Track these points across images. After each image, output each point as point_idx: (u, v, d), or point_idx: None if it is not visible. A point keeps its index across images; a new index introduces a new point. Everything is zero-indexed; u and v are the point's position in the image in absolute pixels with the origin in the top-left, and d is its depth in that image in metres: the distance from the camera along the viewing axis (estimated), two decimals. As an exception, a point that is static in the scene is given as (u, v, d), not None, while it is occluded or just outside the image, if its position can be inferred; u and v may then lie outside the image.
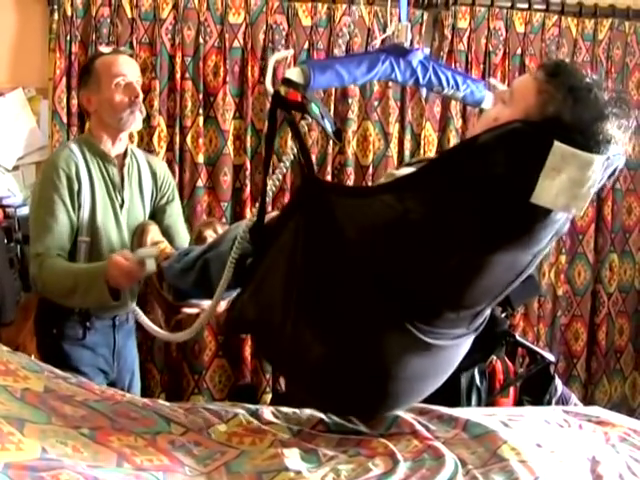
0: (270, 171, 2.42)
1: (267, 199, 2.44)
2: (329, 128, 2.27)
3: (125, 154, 3.24)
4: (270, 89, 2.31)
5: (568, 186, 1.83)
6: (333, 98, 4.65)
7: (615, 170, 1.96)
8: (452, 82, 2.57)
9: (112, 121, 3.12)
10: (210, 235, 2.97)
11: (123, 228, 3.19)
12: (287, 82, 2.21)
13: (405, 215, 1.97)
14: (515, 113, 1.93)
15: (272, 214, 2.51)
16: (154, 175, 3.34)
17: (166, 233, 3.20)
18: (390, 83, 4.68)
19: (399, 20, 2.53)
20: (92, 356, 3.22)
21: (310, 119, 2.22)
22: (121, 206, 3.19)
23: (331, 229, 2.09)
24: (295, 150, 2.29)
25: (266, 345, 2.58)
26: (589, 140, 1.84)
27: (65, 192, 3.03)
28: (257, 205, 2.41)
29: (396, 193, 2.00)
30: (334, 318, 2.17)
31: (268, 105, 4.42)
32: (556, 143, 1.80)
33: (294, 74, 2.24)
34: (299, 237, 2.16)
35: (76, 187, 3.06)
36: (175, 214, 3.40)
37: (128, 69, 3.15)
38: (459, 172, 1.93)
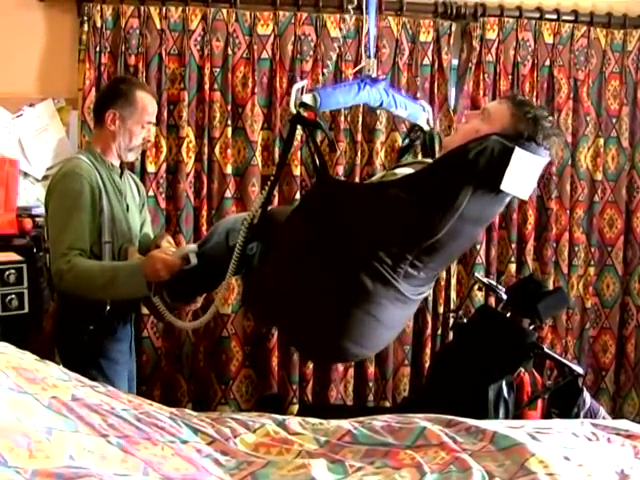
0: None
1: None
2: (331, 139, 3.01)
3: (121, 166, 3.49)
4: (293, 110, 2.78)
5: (523, 179, 2.64)
6: (361, 109, 4.66)
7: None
8: (403, 104, 3.17)
9: (122, 149, 3.38)
10: (166, 245, 3.39)
11: (131, 230, 3.43)
12: (303, 105, 2.77)
13: (411, 202, 2.65)
14: (493, 128, 2.68)
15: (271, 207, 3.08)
16: (137, 186, 3.65)
17: (144, 237, 3.56)
18: (418, 94, 4.68)
19: (368, 57, 3.14)
20: (123, 346, 3.44)
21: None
22: (127, 210, 3.43)
23: (343, 214, 2.74)
24: (313, 156, 2.88)
25: (277, 310, 3.01)
26: (540, 148, 2.68)
27: (88, 200, 3.22)
28: (260, 197, 3.01)
29: (405, 187, 2.69)
30: (345, 282, 2.78)
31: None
32: (517, 149, 2.60)
33: (308, 99, 2.78)
34: (312, 221, 2.80)
35: (97, 193, 3.26)
36: (149, 222, 3.75)
37: (154, 118, 3.50)
38: (454, 169, 2.66)
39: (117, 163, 3.43)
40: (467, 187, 2.63)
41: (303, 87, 2.81)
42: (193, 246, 3.23)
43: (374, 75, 3.08)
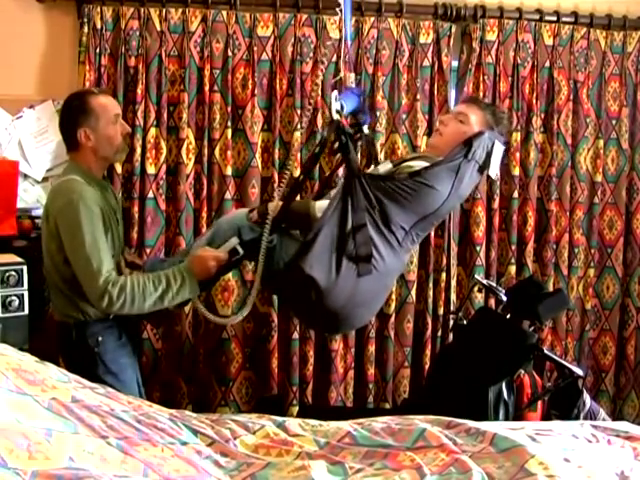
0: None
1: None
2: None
3: (104, 179, 3.57)
4: (336, 116, 3.27)
5: (497, 164, 3.57)
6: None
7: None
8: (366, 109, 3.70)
9: (109, 154, 3.42)
10: (128, 257, 3.59)
11: (120, 241, 3.50)
12: (338, 113, 3.27)
13: (433, 188, 3.33)
14: (475, 128, 3.51)
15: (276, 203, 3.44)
16: (114, 195, 3.67)
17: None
18: (418, 96, 4.73)
19: (350, 71, 3.87)
20: (129, 350, 3.49)
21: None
22: (117, 223, 3.49)
23: (373, 200, 3.28)
24: (348, 155, 3.36)
25: (311, 291, 3.25)
26: (502, 138, 3.60)
27: (100, 219, 3.25)
28: (279, 194, 3.55)
29: (424, 178, 3.34)
30: (369, 258, 3.28)
31: (296, 119, 4.50)
32: (496, 142, 3.50)
33: (339, 107, 3.27)
34: (347, 210, 3.25)
35: (102, 212, 3.29)
36: None
37: (118, 109, 3.51)
38: (462, 161, 3.40)
39: (100, 176, 3.47)
40: (468, 173, 3.43)
41: (336, 96, 3.31)
42: (235, 239, 3.34)
43: (354, 86, 3.63)
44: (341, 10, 3.61)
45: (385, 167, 3.61)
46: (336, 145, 3.47)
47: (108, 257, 3.21)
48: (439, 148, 3.53)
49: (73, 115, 3.38)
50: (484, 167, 3.49)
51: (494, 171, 3.55)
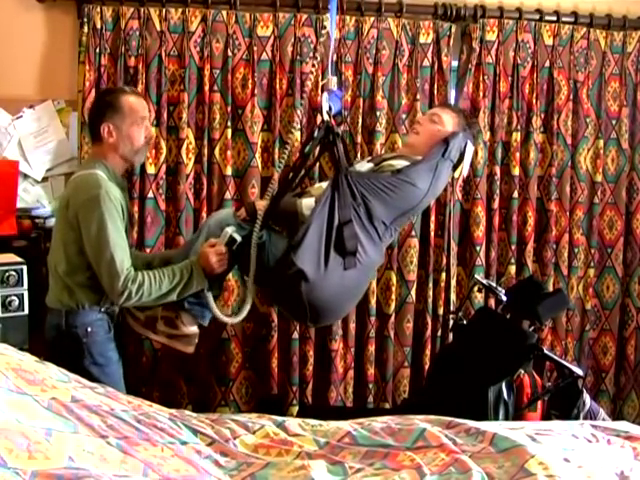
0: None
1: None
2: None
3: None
4: (326, 117, 3.47)
5: (469, 163, 3.87)
6: (361, 111, 4.66)
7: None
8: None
9: (128, 154, 3.44)
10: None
11: (128, 238, 3.48)
12: (328, 113, 3.46)
13: (415, 185, 3.55)
14: (449, 128, 3.73)
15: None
16: (127, 196, 3.70)
17: None
18: (418, 96, 4.73)
19: (332, 75, 3.68)
20: (116, 344, 3.51)
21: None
22: (129, 222, 3.59)
23: (359, 195, 3.44)
24: (338, 154, 3.48)
25: (300, 284, 3.38)
26: (473, 140, 3.86)
27: (119, 215, 3.30)
28: (270, 192, 3.54)
29: (406, 175, 3.56)
30: (354, 253, 3.43)
31: (296, 118, 4.45)
32: (468, 142, 3.74)
33: (329, 107, 3.47)
34: (334, 206, 3.39)
35: (122, 210, 3.34)
36: None
37: (147, 112, 3.55)
38: (440, 158, 3.64)
39: (120, 174, 3.49)
40: (444, 171, 3.68)
41: (327, 97, 3.49)
42: (230, 228, 3.42)
43: (335, 89, 3.60)
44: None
45: (366, 166, 3.75)
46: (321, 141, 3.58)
47: (128, 255, 3.28)
48: (416, 147, 3.76)
49: (102, 108, 3.43)
50: (456, 166, 3.74)
51: (466, 170, 3.87)
